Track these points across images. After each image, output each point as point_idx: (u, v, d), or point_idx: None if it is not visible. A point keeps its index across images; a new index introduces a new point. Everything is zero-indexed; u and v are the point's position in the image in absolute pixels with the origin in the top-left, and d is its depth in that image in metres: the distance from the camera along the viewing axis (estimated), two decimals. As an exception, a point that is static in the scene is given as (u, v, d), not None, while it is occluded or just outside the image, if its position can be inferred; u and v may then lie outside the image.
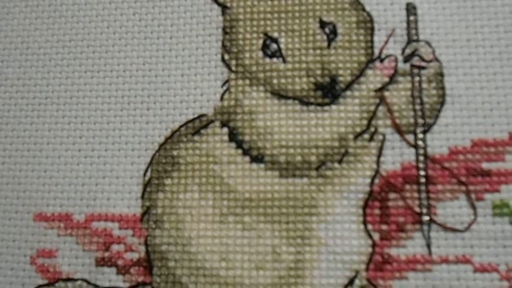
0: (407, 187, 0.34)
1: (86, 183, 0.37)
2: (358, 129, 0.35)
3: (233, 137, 0.36)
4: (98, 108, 0.39)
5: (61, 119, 0.39)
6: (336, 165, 0.35)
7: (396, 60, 0.35)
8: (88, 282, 0.35)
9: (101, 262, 0.36)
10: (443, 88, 0.35)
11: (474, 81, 0.35)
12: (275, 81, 0.36)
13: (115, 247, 0.36)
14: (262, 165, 0.35)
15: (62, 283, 0.36)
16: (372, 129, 0.35)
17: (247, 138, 0.36)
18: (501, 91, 0.34)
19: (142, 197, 0.36)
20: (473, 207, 0.33)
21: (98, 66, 0.39)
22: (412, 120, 0.35)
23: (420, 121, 0.35)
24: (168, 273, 0.35)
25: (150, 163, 0.36)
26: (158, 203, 0.36)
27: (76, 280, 0.36)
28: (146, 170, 0.36)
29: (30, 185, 0.38)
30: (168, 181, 0.36)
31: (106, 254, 0.36)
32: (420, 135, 0.34)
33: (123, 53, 0.39)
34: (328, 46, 0.36)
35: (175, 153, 0.37)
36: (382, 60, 0.36)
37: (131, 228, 0.36)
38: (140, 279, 0.35)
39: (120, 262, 0.36)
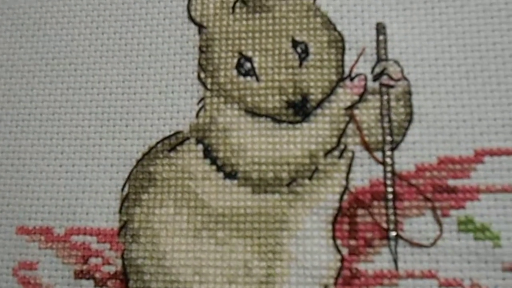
0: (375, 203, 0.34)
1: (67, 198, 0.37)
2: (328, 146, 0.35)
3: (208, 153, 0.36)
4: (79, 124, 0.38)
5: (43, 135, 0.39)
6: (307, 181, 0.34)
7: (365, 79, 0.35)
8: (67, 294, 0.36)
9: (79, 275, 0.36)
10: (410, 106, 0.34)
11: (441, 99, 0.34)
12: (248, 99, 0.36)
13: (93, 260, 0.36)
14: (235, 181, 0.35)
15: (42, 295, 0.37)
16: (342, 147, 0.34)
17: (221, 154, 0.36)
18: (467, 109, 0.34)
19: (120, 211, 0.36)
20: (439, 223, 0.33)
21: (79, 84, 0.39)
22: (380, 138, 0.34)
23: (388, 138, 0.34)
24: (143, 286, 0.34)
25: (128, 179, 0.36)
26: (135, 218, 0.36)
27: (55, 292, 0.36)
28: (124, 186, 0.36)
29: (13, 199, 0.38)
30: (144, 196, 0.36)
31: (85, 267, 0.36)
32: (388, 153, 0.34)
33: (104, 71, 0.39)
34: (300, 65, 0.36)
35: (151, 169, 0.37)
36: (352, 79, 0.35)
37: (108, 242, 0.36)
38: None
39: (97, 275, 0.36)
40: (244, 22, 0.38)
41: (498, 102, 0.34)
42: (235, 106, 0.36)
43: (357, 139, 0.35)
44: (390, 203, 0.33)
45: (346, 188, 0.34)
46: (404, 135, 0.34)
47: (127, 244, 0.35)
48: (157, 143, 0.37)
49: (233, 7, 0.38)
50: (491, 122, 0.34)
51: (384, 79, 0.35)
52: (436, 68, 0.35)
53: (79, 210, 0.37)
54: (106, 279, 0.35)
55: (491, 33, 0.35)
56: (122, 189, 0.36)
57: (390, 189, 0.33)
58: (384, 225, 0.33)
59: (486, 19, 0.35)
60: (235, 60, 0.37)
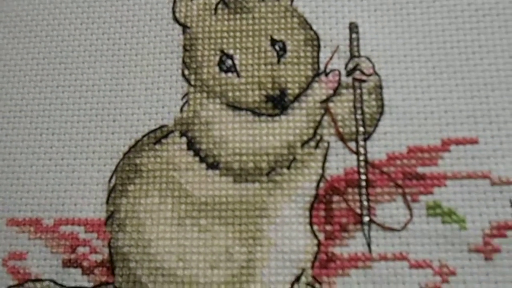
0: (350, 190, 0.35)
1: (56, 190, 0.38)
2: (305, 138, 0.36)
3: (191, 145, 0.37)
4: (68, 120, 0.39)
5: (34, 131, 0.40)
6: (285, 170, 0.35)
7: (339, 74, 0.37)
8: (55, 283, 0.36)
9: (67, 264, 0.36)
10: (382, 99, 0.36)
11: (410, 92, 0.36)
12: (230, 94, 0.37)
13: (80, 249, 0.36)
14: (217, 172, 0.36)
15: (31, 283, 0.36)
16: (318, 137, 0.36)
17: (203, 146, 0.37)
18: (434, 101, 0.36)
19: (107, 202, 0.37)
20: (409, 208, 0.34)
21: (69, 82, 0.40)
22: (354, 129, 0.36)
23: (361, 129, 0.36)
24: (129, 273, 0.35)
25: (115, 171, 0.37)
26: (121, 208, 0.37)
27: (44, 280, 0.36)
28: (111, 177, 0.37)
29: (3, 192, 0.39)
30: (131, 187, 0.37)
31: (73, 256, 0.36)
32: (361, 143, 0.35)
33: (92, 70, 0.40)
34: (278, 62, 0.37)
35: (137, 161, 0.38)
36: (327, 74, 0.37)
37: (96, 231, 0.37)
38: (103, 279, 0.35)
39: (85, 263, 0.36)
40: (225, 22, 0.39)
41: (463, 95, 0.36)
42: (217, 100, 0.38)
43: (332, 131, 0.36)
44: (364, 190, 0.35)
45: (322, 176, 0.35)
46: (376, 126, 0.36)
47: (114, 233, 0.36)
48: (143, 136, 0.38)
49: (215, 9, 0.39)
50: (457, 113, 0.35)
51: (357, 74, 0.37)
52: (405, 64, 0.37)
53: (67, 201, 0.38)
54: (93, 267, 0.36)
55: (455, 32, 0.37)
56: (109, 181, 0.37)
57: (363, 177, 0.35)
58: (358, 211, 0.34)
59: (451, 18, 0.37)
60: (217, 58, 0.38)
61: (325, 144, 0.36)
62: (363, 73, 0.36)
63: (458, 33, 0.37)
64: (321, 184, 0.35)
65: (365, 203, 0.34)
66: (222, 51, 0.38)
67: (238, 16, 0.39)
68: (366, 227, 0.34)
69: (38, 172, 0.38)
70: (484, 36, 0.36)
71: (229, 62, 0.38)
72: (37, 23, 0.42)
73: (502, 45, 0.36)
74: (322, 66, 0.37)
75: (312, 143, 0.36)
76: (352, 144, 0.36)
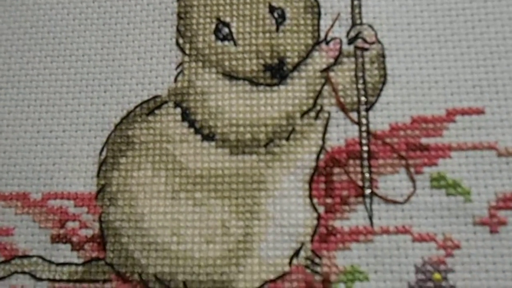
0: (351, 162, 0.33)
1: (44, 163, 0.36)
2: (304, 108, 0.34)
3: (186, 116, 0.35)
4: (57, 91, 0.37)
5: (21, 102, 0.37)
6: (284, 142, 0.34)
7: (340, 43, 0.35)
8: (44, 259, 0.34)
9: (56, 239, 0.34)
10: (384, 68, 0.34)
11: (414, 61, 0.34)
12: (226, 63, 0.35)
13: (70, 224, 0.35)
14: (213, 143, 0.34)
15: (18, 260, 0.34)
16: (318, 108, 0.34)
17: (199, 117, 0.35)
18: (438, 71, 0.34)
19: (98, 175, 0.35)
20: (412, 180, 0.32)
21: (58, 51, 0.38)
22: (355, 99, 0.34)
23: (363, 99, 0.34)
24: (121, 249, 0.33)
25: (106, 143, 0.35)
26: (113, 181, 0.35)
27: (31, 257, 0.34)
28: (102, 150, 0.35)
29: (-11, 166, 0.38)
30: (122, 160, 0.35)
31: (62, 231, 0.34)
32: (363, 113, 0.34)
33: (82, 39, 0.38)
34: (277, 30, 0.35)
35: (129, 132, 0.35)
36: (327, 43, 0.35)
37: (86, 205, 0.35)
38: (94, 254, 0.34)
39: (75, 239, 0.34)
40: (222, -11, 0.38)
41: (468, 64, 0.34)
42: (213, 70, 0.36)
43: (333, 100, 0.34)
44: (365, 162, 0.33)
45: (322, 148, 0.34)
46: (378, 96, 0.34)
47: (105, 207, 0.34)
48: (135, 107, 0.36)
49: (211, -25, 0.38)
50: (462, 83, 0.34)
51: (359, 42, 0.35)
52: (408, 32, 0.35)
53: (56, 175, 0.36)
54: (83, 242, 0.34)
55: (461, -1, 0.37)
56: (100, 153, 0.35)
57: (365, 148, 0.33)
58: (360, 183, 0.33)
59: (456, -15, 0.37)
60: (213, 26, 0.36)
61: (326, 115, 0.34)
62: (365, 41, 0.35)
63: (464, 0, 0.35)
64: (321, 156, 0.33)
65: (367, 175, 0.33)
66: (218, 18, 0.36)
67: (235, -18, 0.38)
68: (367, 200, 0.32)
69: (26, 145, 0.36)
70: (491, 2, 0.35)
71: (226, 30, 0.36)
72: (24, -9, 0.41)
73: (509, 12, 0.34)
74: (322, 34, 0.35)
75: (312, 114, 0.34)
76: (354, 115, 0.34)
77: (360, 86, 0.34)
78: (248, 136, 0.34)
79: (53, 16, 0.39)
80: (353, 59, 0.35)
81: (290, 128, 0.34)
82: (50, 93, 0.37)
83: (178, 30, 0.37)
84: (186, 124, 0.35)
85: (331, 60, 0.35)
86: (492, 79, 0.34)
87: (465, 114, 0.33)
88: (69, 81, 0.37)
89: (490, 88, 0.33)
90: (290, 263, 0.32)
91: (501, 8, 0.35)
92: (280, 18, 0.36)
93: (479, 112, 0.33)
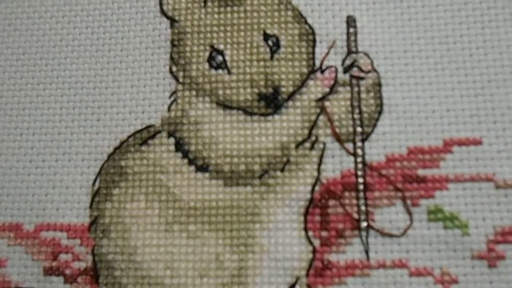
0: (346, 194, 0.33)
1: (37, 193, 0.35)
2: (299, 138, 0.34)
3: (179, 147, 0.34)
4: (50, 119, 0.37)
5: (14, 130, 0.37)
6: (278, 173, 0.33)
7: (336, 71, 0.34)
8: (36, 292, 0.35)
9: (49, 271, 0.34)
10: (380, 97, 0.34)
11: (410, 90, 0.34)
12: (220, 92, 0.35)
13: (63, 257, 0.34)
14: (207, 174, 0.34)
15: (11, 293, 0.35)
16: (313, 138, 0.33)
17: (192, 147, 0.34)
18: (436, 100, 0.33)
19: (91, 206, 0.34)
20: (409, 212, 0.32)
21: (50, 78, 0.37)
22: (351, 129, 0.33)
23: (359, 129, 0.33)
24: (114, 282, 0.33)
25: (99, 173, 0.35)
26: (106, 213, 0.34)
27: (24, 289, 0.35)
28: (95, 180, 0.35)
29: (-18, 195, 0.37)
30: (115, 191, 0.35)
31: (54, 263, 0.34)
32: (359, 144, 0.33)
33: (75, 66, 0.37)
34: (271, 58, 0.35)
35: (123, 163, 0.35)
36: (323, 71, 0.35)
37: (79, 237, 0.34)
38: (87, 287, 0.34)
39: (67, 271, 0.34)
40: (215, 15, 0.36)
41: (466, 93, 0.33)
42: (207, 99, 0.35)
43: (328, 131, 0.34)
44: (361, 194, 0.32)
45: (317, 179, 0.33)
46: (374, 126, 0.33)
47: (98, 239, 0.34)
48: (129, 137, 0.35)
49: (205, 1, 0.36)
50: (459, 112, 0.33)
51: (355, 71, 0.34)
52: (405, 60, 0.34)
53: (49, 205, 0.35)
54: (76, 275, 0.34)
55: (458, 26, 0.34)
56: (93, 184, 0.35)
57: (361, 180, 0.32)
58: (355, 216, 0.32)
59: (453, 12, 0.35)
60: (207, 53, 0.35)
61: (321, 145, 0.33)
62: (361, 70, 0.34)
63: (461, 27, 0.34)
64: (317, 188, 0.33)
65: (363, 207, 0.32)
66: (212, 46, 0.36)
67: (229, 9, 0.36)
68: (364, 233, 0.32)
69: (18, 175, 0.36)
70: (489, 30, 0.34)
71: (220, 58, 0.35)
72: (16, 16, 0.39)
73: (507, 39, 0.34)
74: (317, 63, 0.34)
75: (307, 144, 0.33)
76: (349, 145, 0.33)
77: (356, 116, 0.34)
78: (242, 167, 0.34)
79: (45, 43, 0.39)
80: (348, 88, 0.34)
81: (284, 159, 0.34)
82: (43, 121, 0.37)
83: (171, 58, 0.36)
84: (179, 154, 0.35)
85: (327, 89, 0.34)
86: (490, 109, 0.33)
87: (462, 144, 0.33)
88: (62, 109, 0.37)
89: (487, 117, 0.33)
90: (285, 298, 0.32)
91: (499, 35, 0.34)
92: (275, 46, 0.35)
93: (477, 142, 0.33)
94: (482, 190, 0.32)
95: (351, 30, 0.35)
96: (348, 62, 0.34)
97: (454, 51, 0.34)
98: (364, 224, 0.32)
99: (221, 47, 0.36)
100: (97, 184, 0.35)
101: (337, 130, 0.34)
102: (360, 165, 0.33)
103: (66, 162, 0.36)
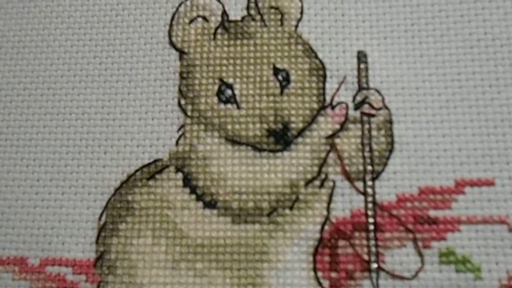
0: (356, 234, 0.32)
1: (42, 227, 0.35)
2: (309, 176, 0.33)
3: (187, 182, 0.34)
4: (56, 151, 0.36)
5: (20, 161, 0.36)
6: (287, 211, 0.33)
7: (347, 108, 0.34)
8: (41, 328, 0.34)
9: (54, 308, 0.34)
10: (391, 135, 0.33)
11: (422, 128, 0.33)
12: (229, 127, 0.34)
13: (68, 293, 0.35)
14: (215, 211, 0.33)
15: (15, 329, 0.34)
16: (323, 176, 0.33)
17: (200, 183, 0.34)
18: (447, 138, 0.33)
19: (97, 242, 0.34)
20: (420, 254, 0.31)
21: (57, 109, 0.37)
22: (361, 168, 0.33)
23: (369, 168, 0.33)
24: (119, 320, 0.33)
25: (106, 208, 0.34)
26: (112, 248, 0.33)
27: (28, 326, 0.34)
28: (101, 215, 0.34)
29: (-14, 227, 0.37)
30: (122, 226, 0.34)
31: (59, 300, 0.34)
32: (369, 182, 0.33)
33: (83, 96, 0.37)
34: (281, 93, 0.34)
35: (129, 197, 0.34)
36: (333, 107, 0.34)
37: (84, 273, 0.34)
38: None
39: (72, 308, 0.34)
40: (225, 48, 0.36)
41: (478, 132, 0.33)
42: (216, 134, 0.35)
43: (338, 169, 0.33)
44: (372, 234, 0.32)
45: (327, 218, 0.32)
46: (385, 164, 0.33)
47: (104, 275, 0.33)
48: (136, 171, 0.35)
49: (215, 33, 0.36)
50: (471, 152, 0.32)
51: (365, 108, 0.34)
52: (416, 97, 0.34)
53: (54, 240, 0.35)
54: (81, 312, 0.34)
55: (470, 63, 0.34)
56: (100, 218, 0.34)
57: (371, 220, 0.32)
58: (366, 257, 0.31)
59: (466, 48, 0.34)
60: (216, 87, 0.35)
61: (331, 184, 0.33)
62: (372, 106, 0.33)
63: (474, 64, 0.34)
64: (326, 227, 0.32)
65: (373, 248, 0.31)
66: (221, 79, 0.35)
67: (238, 42, 0.36)
68: (374, 275, 0.31)
69: (24, 207, 0.35)
70: (502, 68, 0.33)
71: (229, 92, 0.35)
72: (25, 44, 0.39)
73: (520, 78, 0.35)
74: (328, 98, 0.34)
75: (317, 182, 0.33)
76: (360, 184, 0.33)
77: (366, 154, 0.33)
78: (251, 204, 0.33)
79: (53, 72, 0.38)
80: (359, 125, 0.33)
81: (294, 196, 0.33)
82: (49, 152, 0.36)
83: (180, 90, 0.36)
84: (187, 190, 0.34)
85: (337, 126, 0.34)
86: (502, 148, 0.32)
87: (474, 185, 0.32)
88: (69, 140, 0.36)
89: (500, 158, 0.32)
90: None
91: (512, 73, 0.35)
92: (285, 80, 0.35)
93: (489, 183, 0.32)
94: (495, 233, 0.31)
95: (362, 65, 0.35)
96: (359, 98, 0.34)
97: (466, 89, 0.34)
98: (374, 265, 0.31)
99: (231, 80, 0.35)
100: (103, 218, 0.34)
101: (347, 168, 0.33)
102: (370, 205, 0.32)
103: (72, 196, 0.35)
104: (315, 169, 0.33)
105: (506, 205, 0.31)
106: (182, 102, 0.36)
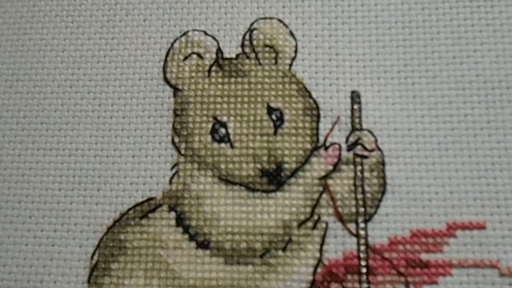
0: (349, 277, 0.32)
1: (34, 265, 0.34)
2: (302, 217, 0.33)
3: (180, 221, 0.34)
4: (49, 187, 0.36)
5: (12, 198, 0.36)
6: (280, 252, 0.33)
7: (340, 149, 0.34)
8: None
9: None
10: (384, 177, 0.33)
11: (414, 170, 0.33)
12: (222, 166, 0.34)
13: (59, 333, 0.34)
14: (207, 251, 0.33)
15: None
16: (316, 217, 0.33)
17: (194, 223, 0.34)
18: (439, 181, 0.33)
19: (88, 281, 0.33)
20: (412, 298, 0.33)
21: (50, 144, 0.36)
22: (353, 209, 0.33)
23: (362, 210, 0.33)
24: None
25: (98, 246, 0.34)
26: (104, 288, 0.35)
27: None
28: (94, 253, 0.34)
29: (-23, 264, 0.36)
30: (114, 266, 0.34)
31: None
32: (362, 225, 0.33)
33: (76, 132, 0.37)
34: (275, 133, 0.34)
35: (122, 237, 0.34)
36: (326, 148, 0.34)
37: (76, 313, 0.35)
38: None
39: None
40: (219, 86, 0.36)
41: (469, 175, 0.33)
42: (209, 173, 0.35)
43: (331, 210, 0.33)
44: (364, 277, 0.32)
45: (319, 260, 0.32)
46: (377, 206, 0.33)
47: (95, 316, 0.34)
48: (129, 209, 0.34)
49: (209, 71, 0.36)
50: (463, 195, 0.33)
51: (358, 149, 0.34)
52: (409, 138, 0.34)
53: (46, 278, 0.34)
54: None
55: (462, 105, 0.34)
56: (92, 257, 0.34)
57: (363, 263, 0.32)
58: (358, 300, 0.33)
59: (458, 90, 0.34)
60: (210, 125, 0.35)
61: (323, 225, 0.33)
62: (365, 148, 0.34)
63: (466, 106, 0.34)
64: (319, 269, 0.32)
65: (365, 292, 0.33)
66: (215, 118, 0.35)
67: (233, 80, 0.36)
68: (365, 319, 0.32)
69: (16, 244, 0.35)
70: (493, 110, 0.34)
71: (223, 131, 0.35)
72: (18, 78, 0.38)
73: (511, 121, 0.34)
74: (321, 139, 0.34)
75: (310, 224, 0.33)
76: (352, 226, 0.33)
77: (359, 196, 0.33)
78: (243, 245, 0.33)
79: (46, 107, 0.38)
80: (352, 166, 0.34)
81: (286, 238, 0.33)
82: (42, 189, 0.36)
83: (174, 128, 0.36)
84: (180, 229, 0.34)
85: (330, 167, 0.34)
86: (493, 192, 0.33)
87: (466, 229, 0.32)
88: (62, 176, 0.36)
89: (491, 201, 0.32)
90: None
91: (503, 116, 0.34)
92: (279, 120, 0.35)
93: (480, 227, 0.32)
94: (486, 277, 0.31)
95: (356, 106, 0.35)
96: (352, 139, 0.34)
97: (458, 131, 0.34)
98: (366, 309, 0.32)
99: (225, 119, 0.35)
100: (95, 257, 0.34)
101: (340, 209, 0.33)
102: (363, 247, 0.32)
103: (64, 233, 0.35)
104: (308, 210, 0.33)
105: (497, 249, 0.32)
106: (176, 140, 0.36)
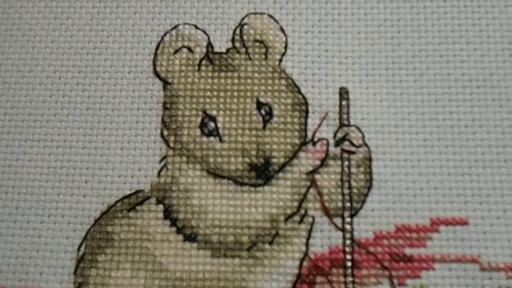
0: (334, 271, 0.32)
1: (20, 256, 0.34)
2: (289, 211, 0.33)
3: (168, 214, 0.34)
4: (36, 179, 0.35)
5: (-2, 188, 0.37)
6: (267, 246, 0.33)
7: (327, 144, 0.34)
8: None
9: None
10: (370, 173, 0.33)
11: (400, 166, 0.34)
12: (211, 159, 0.34)
13: (44, 325, 0.34)
14: (195, 244, 0.33)
15: None
16: (302, 212, 0.33)
17: (181, 216, 0.34)
18: (424, 177, 0.33)
19: (75, 273, 0.33)
20: (395, 292, 0.33)
21: (38, 136, 0.36)
22: (340, 204, 0.33)
23: (348, 205, 0.33)
24: None
25: (85, 238, 0.34)
26: (90, 280, 0.33)
27: None
28: (80, 245, 0.34)
29: (-38, 255, 0.36)
30: (101, 258, 0.34)
31: (35, 332, 0.34)
32: (348, 219, 0.33)
33: (64, 123, 0.36)
34: (264, 127, 0.34)
35: (109, 229, 0.34)
36: (314, 143, 0.34)
37: (61, 305, 0.34)
38: None
39: None
40: (209, 80, 0.36)
41: (453, 171, 0.33)
42: (197, 166, 0.35)
43: (318, 205, 0.33)
44: (349, 271, 0.32)
45: (306, 254, 0.33)
46: (363, 202, 0.33)
47: (81, 308, 0.34)
48: (117, 202, 0.34)
49: (199, 65, 0.36)
50: (447, 191, 0.33)
51: (346, 145, 0.34)
52: (395, 135, 0.34)
53: (32, 269, 0.34)
54: None
55: (448, 103, 0.35)
56: (78, 249, 0.34)
57: (349, 257, 0.32)
58: (342, 293, 0.33)
59: (444, 88, 0.35)
60: (199, 119, 0.35)
61: (310, 219, 0.33)
62: (352, 144, 0.34)
63: (451, 104, 0.35)
64: (305, 263, 0.32)
65: (350, 285, 0.32)
66: (204, 111, 0.35)
67: (223, 74, 0.36)
68: (350, 311, 0.33)
69: (2, 235, 0.34)
70: (478, 109, 0.34)
71: (212, 124, 0.35)
72: (6, 68, 0.38)
73: (495, 119, 0.34)
74: (310, 134, 0.35)
75: (296, 218, 0.33)
76: (338, 220, 0.33)
77: (345, 191, 0.33)
78: (231, 238, 0.33)
79: (35, 98, 0.37)
80: (339, 162, 0.34)
81: (273, 231, 0.33)
82: (29, 180, 0.35)
83: (163, 121, 0.35)
84: (168, 222, 0.34)
85: (318, 162, 0.34)
86: (476, 189, 0.33)
87: (449, 224, 0.33)
88: (49, 168, 0.36)
89: (474, 198, 0.33)
90: None
91: (487, 114, 0.34)
92: (268, 115, 0.35)
93: (463, 223, 0.33)
94: (467, 272, 0.32)
95: (344, 102, 0.35)
96: (339, 135, 0.34)
97: (443, 128, 0.34)
98: (350, 302, 0.33)
99: (214, 113, 0.35)
100: (82, 249, 0.34)
101: (327, 204, 0.34)
102: (348, 241, 0.33)
103: (51, 225, 0.35)
104: (295, 204, 0.33)
105: (479, 245, 0.32)
106: (165, 133, 0.36)
